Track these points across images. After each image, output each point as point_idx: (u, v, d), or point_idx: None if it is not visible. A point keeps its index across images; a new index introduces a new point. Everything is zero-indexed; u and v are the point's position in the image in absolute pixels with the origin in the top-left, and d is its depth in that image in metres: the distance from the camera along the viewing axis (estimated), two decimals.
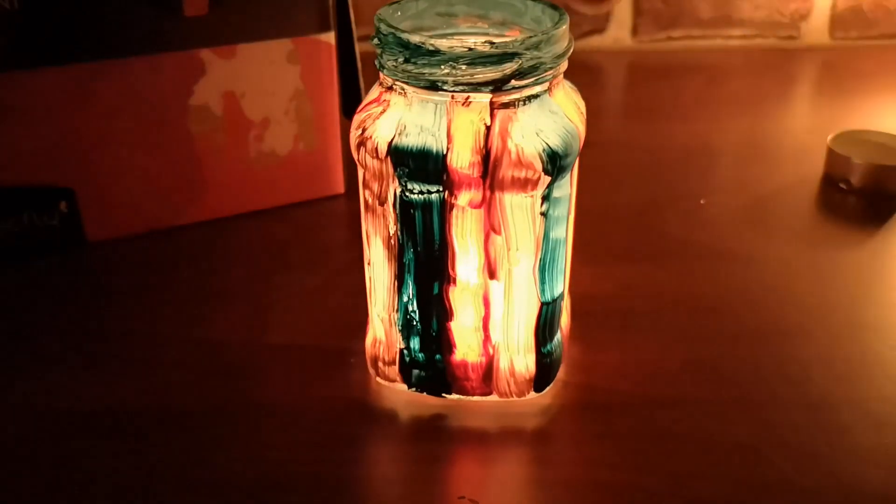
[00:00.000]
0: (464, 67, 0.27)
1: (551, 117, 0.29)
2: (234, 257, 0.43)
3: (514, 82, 0.27)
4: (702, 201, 0.49)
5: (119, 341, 0.37)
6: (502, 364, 0.32)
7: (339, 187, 0.48)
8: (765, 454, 0.31)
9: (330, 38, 0.45)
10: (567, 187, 0.30)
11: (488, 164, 0.28)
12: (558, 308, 0.32)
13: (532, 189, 0.28)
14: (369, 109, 0.29)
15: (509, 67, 0.27)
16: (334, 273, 0.42)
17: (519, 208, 0.29)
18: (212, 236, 0.45)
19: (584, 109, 0.31)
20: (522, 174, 0.28)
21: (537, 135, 0.28)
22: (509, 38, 0.28)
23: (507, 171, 0.28)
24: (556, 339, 0.33)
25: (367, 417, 0.33)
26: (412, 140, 0.28)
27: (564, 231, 0.31)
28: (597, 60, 0.71)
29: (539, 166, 0.28)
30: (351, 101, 0.50)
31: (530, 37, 0.27)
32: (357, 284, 0.39)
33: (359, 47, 0.47)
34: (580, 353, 0.35)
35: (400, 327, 0.32)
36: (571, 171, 0.30)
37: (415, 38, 0.27)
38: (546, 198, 0.29)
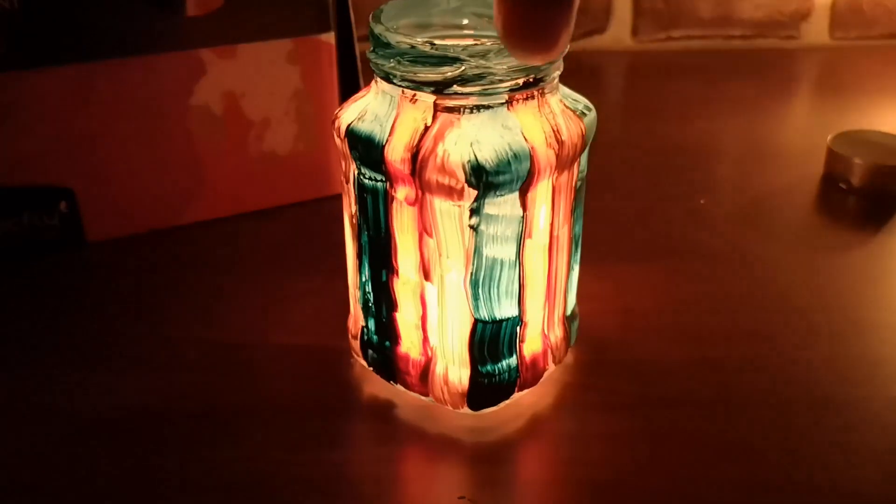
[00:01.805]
0: (407, 64, 0.27)
1: (500, 132, 0.28)
2: (234, 257, 0.43)
3: (457, 88, 0.27)
4: (702, 201, 0.49)
5: (119, 341, 0.37)
6: (438, 369, 0.32)
7: (339, 187, 0.48)
8: (765, 454, 0.31)
9: (330, 38, 0.45)
10: (516, 209, 0.29)
11: (416, 162, 0.28)
12: (507, 332, 0.31)
13: (458, 199, 0.28)
14: (357, 95, 0.31)
15: (449, 72, 0.27)
16: (334, 273, 0.42)
17: (448, 216, 0.29)
18: (212, 236, 0.45)
19: (567, 136, 0.29)
20: (446, 181, 0.28)
21: (471, 145, 0.27)
22: (455, 42, 0.28)
23: (432, 174, 0.28)
24: (505, 364, 0.31)
25: (367, 418, 0.33)
26: (365, 126, 0.29)
27: (514, 255, 0.29)
28: (597, 60, 0.71)
29: (461, 176, 0.27)
30: None
31: (475, 44, 0.27)
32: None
33: (359, 47, 0.47)
34: (581, 353, 0.35)
35: (361, 305, 0.33)
36: (556, 200, 0.30)
37: (378, 29, 0.28)
38: (475, 211, 0.28)
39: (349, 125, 0.30)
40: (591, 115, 0.30)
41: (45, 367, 0.35)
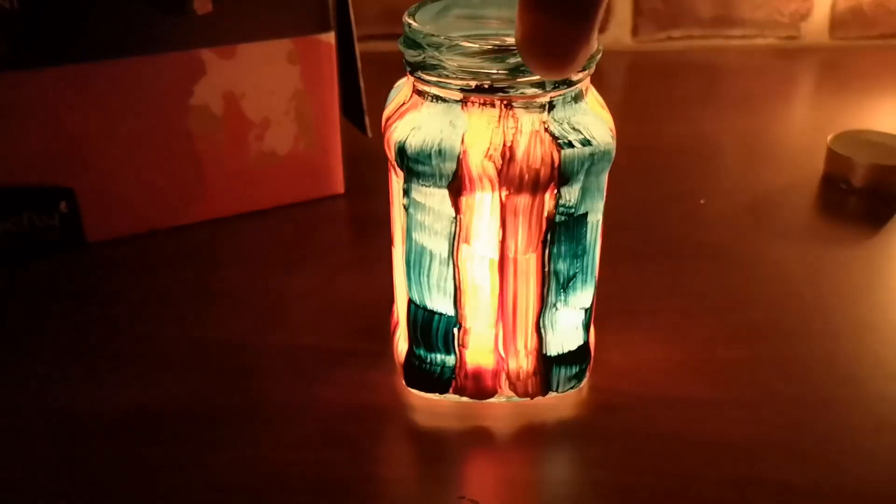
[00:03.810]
0: (401, 43, 0.29)
1: (443, 126, 0.28)
2: (234, 257, 0.43)
3: (420, 73, 0.28)
4: (702, 201, 0.49)
5: (119, 341, 0.37)
6: (397, 335, 0.34)
7: (339, 187, 0.48)
8: (764, 454, 0.31)
9: (330, 38, 0.45)
10: (446, 207, 0.29)
11: (385, 133, 0.30)
12: (440, 326, 0.31)
13: (397, 176, 0.30)
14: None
15: (412, 56, 0.28)
16: (334, 273, 0.42)
17: (395, 189, 0.30)
18: (212, 236, 0.45)
19: (522, 157, 0.28)
20: (389, 155, 0.29)
21: (411, 129, 0.28)
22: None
23: (386, 147, 0.30)
24: (440, 358, 0.32)
25: (367, 418, 0.33)
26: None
27: (447, 252, 0.29)
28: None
29: (391, 152, 0.29)
30: (351, 101, 0.50)
31: (435, 35, 0.27)
32: (357, 284, 0.39)
33: (359, 47, 0.47)
34: None
35: None
36: (508, 221, 0.29)
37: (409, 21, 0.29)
38: (406, 193, 0.29)
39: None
40: (576, 151, 0.28)
41: (44, 367, 0.35)
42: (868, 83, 0.67)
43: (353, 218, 0.47)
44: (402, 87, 0.30)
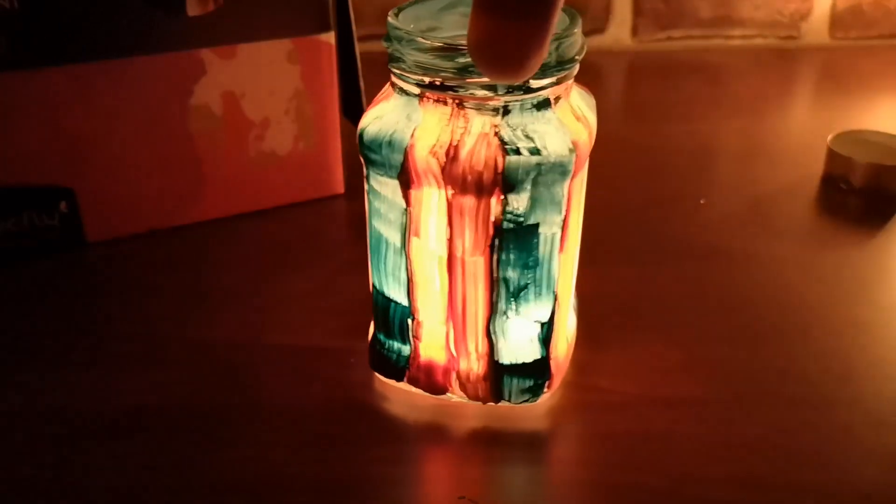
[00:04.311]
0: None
1: (400, 118, 0.29)
2: (234, 257, 0.43)
3: (390, 64, 0.29)
4: (702, 201, 0.49)
5: (119, 341, 0.37)
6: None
7: (339, 187, 0.48)
8: (765, 454, 0.31)
9: (330, 38, 0.45)
10: (397, 197, 0.29)
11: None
12: (396, 315, 0.32)
13: (363, 161, 0.30)
14: None
15: (386, 46, 0.29)
16: (334, 273, 0.42)
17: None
18: (212, 236, 0.45)
19: (466, 158, 0.27)
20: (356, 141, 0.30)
21: (375, 118, 0.29)
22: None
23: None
24: (396, 346, 0.32)
25: (366, 418, 0.33)
26: None
27: (399, 243, 0.30)
28: (597, 60, 0.71)
29: (357, 137, 0.30)
30: (351, 101, 0.50)
31: (398, 28, 0.28)
32: (357, 284, 0.39)
33: (359, 47, 0.47)
34: (581, 353, 0.35)
35: None
36: (454, 220, 0.29)
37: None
38: (367, 179, 0.30)
39: None
40: (521, 159, 0.27)
41: (44, 367, 0.35)
42: (868, 83, 0.67)
43: (353, 218, 0.47)
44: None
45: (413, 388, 0.33)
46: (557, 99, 0.29)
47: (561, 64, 0.27)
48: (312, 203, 0.48)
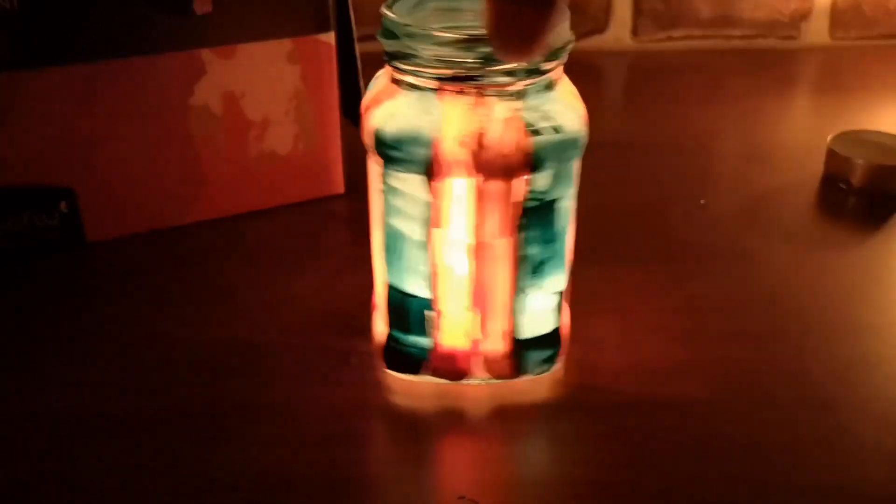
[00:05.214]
0: (379, 33, 0.30)
1: (419, 114, 0.29)
2: (234, 257, 0.43)
3: (396, 62, 0.29)
4: (702, 201, 0.49)
5: (119, 341, 0.37)
6: (374, 318, 0.34)
7: (339, 187, 0.48)
8: (765, 454, 0.31)
9: (330, 38, 0.45)
10: (422, 192, 0.30)
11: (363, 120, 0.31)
12: (415, 309, 0.32)
13: (374, 162, 0.30)
14: None
15: (389, 45, 0.29)
16: (334, 273, 0.42)
17: (373, 174, 0.31)
18: (212, 236, 0.45)
19: (496, 143, 0.28)
20: (367, 141, 0.30)
21: (388, 117, 0.29)
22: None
23: (364, 134, 0.30)
24: (413, 339, 0.33)
25: (366, 418, 0.33)
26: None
27: (421, 237, 0.30)
28: (597, 60, 0.71)
29: (370, 141, 0.30)
30: (351, 101, 0.50)
31: (411, 25, 0.28)
32: (357, 284, 0.39)
33: (359, 47, 0.47)
34: (580, 353, 0.35)
35: None
36: (481, 206, 0.29)
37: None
38: (384, 178, 0.30)
39: None
40: (546, 139, 0.29)
41: (45, 367, 0.35)
42: (868, 83, 0.67)
43: (353, 218, 0.47)
44: (381, 77, 0.31)
45: (431, 379, 0.33)
46: (559, 79, 0.30)
47: (565, 45, 0.29)
48: (312, 203, 0.48)
